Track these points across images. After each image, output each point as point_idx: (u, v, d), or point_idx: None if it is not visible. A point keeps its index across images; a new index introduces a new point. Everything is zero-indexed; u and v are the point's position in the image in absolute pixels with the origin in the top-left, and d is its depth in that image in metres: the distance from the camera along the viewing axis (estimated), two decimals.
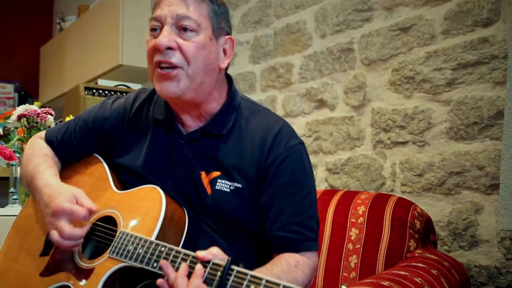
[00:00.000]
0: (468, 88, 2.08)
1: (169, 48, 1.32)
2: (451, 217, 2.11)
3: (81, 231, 1.30)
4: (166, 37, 1.32)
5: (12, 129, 2.54)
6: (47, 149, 1.60)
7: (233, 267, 1.06)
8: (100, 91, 3.26)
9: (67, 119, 2.56)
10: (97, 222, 1.42)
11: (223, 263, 1.08)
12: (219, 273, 1.07)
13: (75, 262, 1.36)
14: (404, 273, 1.55)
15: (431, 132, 2.21)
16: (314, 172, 2.76)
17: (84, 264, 1.34)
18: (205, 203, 1.38)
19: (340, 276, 1.88)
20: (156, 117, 1.48)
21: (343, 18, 2.67)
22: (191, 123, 1.45)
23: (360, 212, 1.95)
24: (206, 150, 1.42)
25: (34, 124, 2.40)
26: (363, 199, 2.00)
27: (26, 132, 2.41)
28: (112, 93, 3.30)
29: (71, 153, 1.61)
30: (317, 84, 2.80)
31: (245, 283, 1.02)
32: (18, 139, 2.45)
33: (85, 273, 1.31)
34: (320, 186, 2.73)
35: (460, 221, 2.07)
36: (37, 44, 5.38)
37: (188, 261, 1.13)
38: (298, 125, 2.89)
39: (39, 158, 1.55)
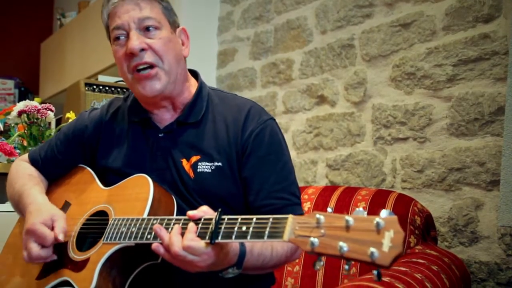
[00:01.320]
0: (469, 84, 2.08)
1: (142, 50, 1.41)
2: (451, 213, 2.11)
3: (47, 252, 1.36)
4: (137, 40, 1.41)
5: (12, 125, 2.54)
6: (31, 169, 1.66)
7: (224, 216, 1.10)
8: (101, 87, 3.25)
9: (68, 115, 2.56)
10: (91, 217, 1.43)
11: (213, 216, 1.11)
12: (211, 225, 1.10)
13: (70, 257, 1.37)
14: (404, 269, 1.55)
15: (431, 128, 2.21)
16: (315, 168, 2.76)
17: (79, 257, 1.35)
18: (189, 187, 1.44)
19: (341, 272, 1.88)
20: (132, 119, 1.55)
21: (343, 14, 2.66)
22: (167, 117, 1.52)
23: (361, 208, 1.95)
24: (184, 139, 1.49)
25: (35, 120, 2.41)
26: (364, 195, 2.00)
27: (26, 128, 2.42)
28: (113, 89, 3.29)
29: (57, 167, 1.65)
30: (317, 80, 2.80)
31: (236, 225, 1.06)
32: (19, 135, 2.45)
33: (81, 264, 1.33)
34: (321, 182, 2.73)
35: (461, 217, 2.07)
36: (38, 40, 5.37)
37: (181, 224, 1.17)
38: (299, 121, 2.89)
39: (24, 178, 1.60)
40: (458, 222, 2.08)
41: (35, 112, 2.39)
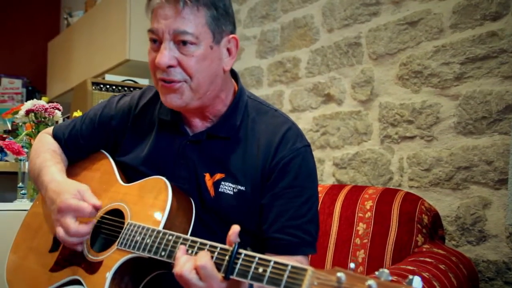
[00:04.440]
0: (477, 82, 2.07)
1: (170, 66, 1.31)
2: (459, 212, 2.10)
3: (86, 228, 1.31)
4: (166, 56, 1.30)
5: (20, 124, 2.55)
6: (55, 145, 1.61)
7: (241, 250, 1.05)
8: (108, 86, 3.26)
9: (75, 114, 2.57)
10: (105, 216, 1.43)
11: (230, 247, 1.07)
12: (227, 257, 1.06)
13: (84, 256, 1.37)
14: (411, 268, 1.55)
15: (439, 126, 2.20)
16: (322, 167, 2.76)
17: (93, 258, 1.34)
18: (207, 204, 1.39)
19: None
20: (162, 118, 1.48)
21: (350, 12, 2.66)
22: (198, 124, 1.45)
23: (368, 207, 1.95)
24: (211, 152, 1.41)
25: (42, 119, 2.42)
26: (371, 194, 1.99)
27: (34, 127, 2.43)
28: (120, 88, 3.30)
29: (77, 151, 1.62)
30: (324, 78, 2.80)
31: (253, 265, 1.01)
32: (26, 134, 2.46)
33: (94, 266, 1.32)
34: (327, 181, 2.73)
35: (468, 216, 2.06)
36: (45, 39, 5.39)
37: (196, 248, 1.13)
38: (305, 120, 2.89)
39: (47, 153, 1.56)
40: (465, 221, 2.07)
41: (43, 111, 2.40)
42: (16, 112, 2.49)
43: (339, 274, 0.87)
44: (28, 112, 2.40)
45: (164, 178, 1.37)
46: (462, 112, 2.11)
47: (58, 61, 5.05)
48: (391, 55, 2.43)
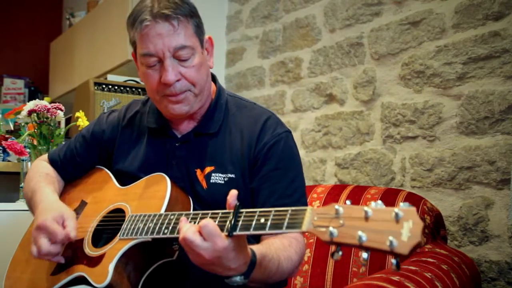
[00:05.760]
0: (479, 82, 2.07)
1: (177, 80, 1.40)
2: (461, 212, 2.10)
3: (57, 249, 1.36)
4: (172, 73, 1.38)
5: (22, 124, 2.56)
6: (49, 168, 1.69)
7: (242, 210, 1.10)
8: (110, 86, 3.26)
9: (77, 114, 2.58)
10: (107, 215, 1.44)
11: (232, 210, 1.10)
12: (229, 218, 1.09)
13: (86, 254, 1.37)
14: (414, 268, 1.54)
15: (441, 126, 2.20)
16: (324, 167, 2.76)
17: (95, 253, 1.35)
18: (201, 197, 1.45)
19: (350, 271, 1.88)
20: (150, 126, 1.56)
21: (352, 12, 2.66)
22: (184, 126, 1.53)
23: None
24: (200, 149, 1.49)
25: (44, 119, 2.42)
26: (373, 194, 1.99)
27: (36, 128, 2.43)
28: (122, 88, 3.31)
29: (75, 169, 1.69)
30: (326, 78, 2.79)
31: (255, 218, 1.06)
32: (29, 135, 2.47)
33: (97, 260, 1.33)
34: (330, 181, 2.73)
35: (471, 216, 2.06)
36: (47, 39, 5.39)
37: (198, 218, 1.17)
38: (308, 120, 2.89)
39: (41, 176, 1.63)
40: (468, 221, 2.07)
41: (45, 111, 2.40)
42: (19, 112, 2.50)
43: (336, 206, 0.94)
44: (30, 112, 2.41)
45: (162, 173, 1.43)
46: (464, 112, 2.11)
47: (60, 62, 5.06)
48: (393, 55, 2.43)
